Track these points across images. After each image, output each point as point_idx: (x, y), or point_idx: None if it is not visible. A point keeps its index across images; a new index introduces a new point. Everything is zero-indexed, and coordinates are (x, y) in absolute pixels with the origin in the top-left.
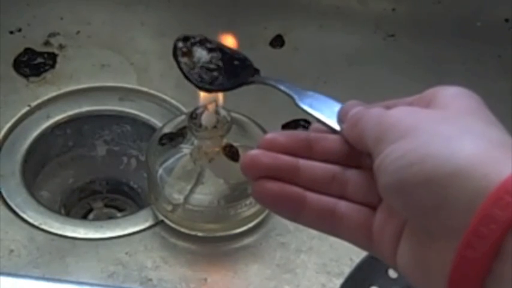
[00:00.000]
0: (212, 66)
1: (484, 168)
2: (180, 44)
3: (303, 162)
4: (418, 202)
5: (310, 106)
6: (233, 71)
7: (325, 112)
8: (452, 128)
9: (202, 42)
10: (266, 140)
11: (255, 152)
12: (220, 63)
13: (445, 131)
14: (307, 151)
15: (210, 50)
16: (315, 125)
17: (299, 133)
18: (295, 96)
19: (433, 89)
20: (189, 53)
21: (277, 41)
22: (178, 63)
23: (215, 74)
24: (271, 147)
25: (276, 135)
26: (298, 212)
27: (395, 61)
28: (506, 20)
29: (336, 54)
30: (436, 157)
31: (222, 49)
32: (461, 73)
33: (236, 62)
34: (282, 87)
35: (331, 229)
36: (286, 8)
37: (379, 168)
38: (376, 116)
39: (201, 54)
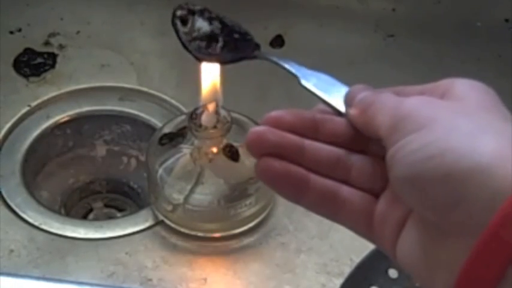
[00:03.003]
0: (212, 37)
1: (506, 168)
2: (179, 12)
3: (308, 143)
4: (434, 197)
5: (315, 86)
6: (233, 44)
7: (330, 93)
8: (472, 123)
9: (203, 12)
10: (271, 117)
11: (261, 128)
12: (221, 35)
13: (464, 125)
14: (312, 132)
15: (210, 21)
16: (319, 105)
17: (305, 112)
18: (299, 75)
19: (448, 80)
20: (188, 22)
21: (277, 41)
22: (176, 31)
23: (214, 45)
24: (276, 124)
25: (282, 113)
26: (301, 193)
27: (395, 61)
28: (506, 20)
29: (336, 54)
30: (457, 151)
31: (222, 21)
32: (461, 73)
33: (236, 36)
34: (286, 65)
35: (332, 213)
36: (286, 8)
37: (393, 158)
38: (391, 103)
39: (201, 24)
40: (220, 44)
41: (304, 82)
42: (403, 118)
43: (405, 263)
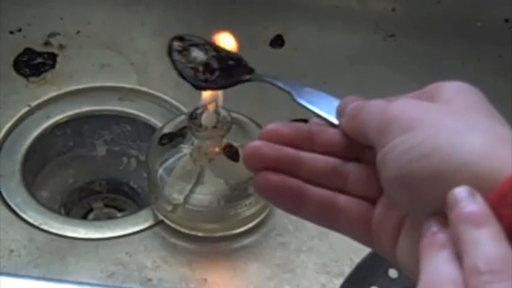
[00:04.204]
0: (207, 65)
1: (491, 165)
2: (175, 43)
3: (304, 155)
4: (424, 196)
5: (308, 101)
6: (228, 70)
7: (324, 107)
8: (458, 122)
9: (198, 42)
10: (268, 131)
11: (257, 143)
12: (216, 63)
13: (451, 125)
14: (308, 143)
15: (205, 50)
16: (314, 120)
17: (300, 125)
18: (293, 92)
19: (435, 84)
20: (184, 52)
21: (277, 41)
22: (173, 61)
23: (210, 72)
24: (273, 138)
25: (278, 126)
26: (298, 205)
27: (395, 61)
28: (506, 20)
29: (336, 54)
30: (445, 150)
31: (217, 49)
32: (461, 73)
33: (231, 62)
34: (280, 84)
35: (331, 223)
36: (286, 8)
37: (382, 161)
38: (378, 107)
39: (197, 53)
40: (216, 72)
41: (298, 98)
42: (391, 121)
43: (405, 265)
